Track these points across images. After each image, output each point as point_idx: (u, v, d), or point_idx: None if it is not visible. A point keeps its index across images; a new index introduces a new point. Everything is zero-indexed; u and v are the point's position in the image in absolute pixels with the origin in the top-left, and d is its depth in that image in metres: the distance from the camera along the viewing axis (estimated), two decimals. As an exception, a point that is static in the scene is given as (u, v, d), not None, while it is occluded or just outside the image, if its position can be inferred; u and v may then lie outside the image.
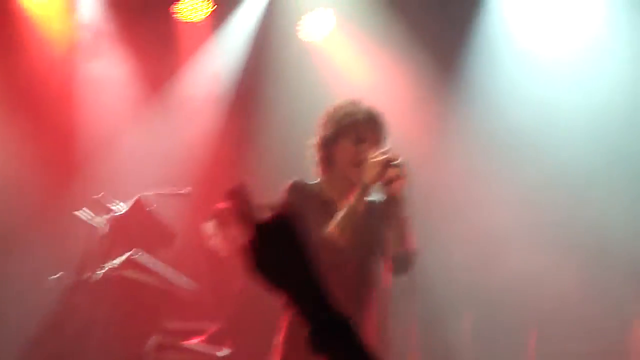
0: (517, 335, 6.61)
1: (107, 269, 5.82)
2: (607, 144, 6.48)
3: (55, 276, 5.94)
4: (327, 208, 4.21)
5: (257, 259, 1.66)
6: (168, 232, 6.25)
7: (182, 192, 6.22)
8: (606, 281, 6.31)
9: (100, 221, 5.94)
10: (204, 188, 6.48)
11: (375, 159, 4.09)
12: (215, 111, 6.95)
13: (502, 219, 6.67)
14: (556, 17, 6.76)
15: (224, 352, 5.75)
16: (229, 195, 1.66)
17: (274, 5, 6.91)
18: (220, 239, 5.99)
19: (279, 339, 4.21)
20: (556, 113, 6.63)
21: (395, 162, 4.08)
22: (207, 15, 6.93)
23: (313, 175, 4.34)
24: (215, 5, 6.94)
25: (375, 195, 4.27)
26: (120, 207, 6.01)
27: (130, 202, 6.02)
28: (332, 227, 4.08)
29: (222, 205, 6.17)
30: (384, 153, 4.11)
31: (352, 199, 4.11)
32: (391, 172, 4.08)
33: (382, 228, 4.16)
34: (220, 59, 6.98)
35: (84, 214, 5.95)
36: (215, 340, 5.83)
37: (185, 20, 6.91)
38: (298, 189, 4.23)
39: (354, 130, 4.23)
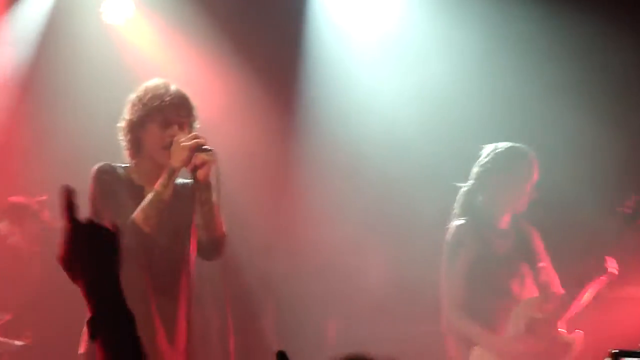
0: (320, 322, 6.75)
1: None
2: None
3: None
4: (136, 192, 4.14)
5: (68, 254, 1.97)
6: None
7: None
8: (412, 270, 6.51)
9: None
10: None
11: (183, 143, 4.06)
12: (6, 97, 6.63)
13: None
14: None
15: (22, 342, 5.60)
16: (62, 196, 1.93)
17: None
18: (17, 235, 5.82)
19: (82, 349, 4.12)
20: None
21: (203, 147, 4.07)
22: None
23: (123, 158, 4.26)
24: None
25: (184, 179, 4.24)
26: None
27: None
28: (137, 212, 4.03)
29: (15, 199, 5.97)
30: (192, 137, 4.09)
31: (158, 185, 4.07)
32: (199, 157, 4.06)
33: (190, 213, 4.14)
34: (13, 39, 6.66)
35: None
36: (10, 330, 5.66)
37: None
38: (106, 173, 4.14)
39: (161, 113, 4.16)
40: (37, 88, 6.53)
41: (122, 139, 4.25)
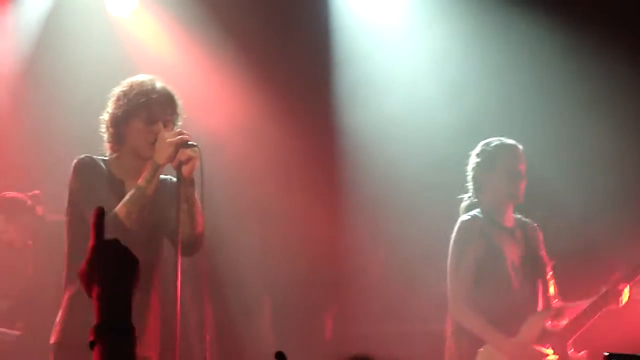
0: (315, 318, 6.74)
1: None
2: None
3: None
4: (116, 187, 4.13)
5: (89, 269, 2.14)
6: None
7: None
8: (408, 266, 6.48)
9: None
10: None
11: (168, 140, 4.04)
12: (3, 90, 6.61)
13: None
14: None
15: (16, 332, 5.62)
16: (94, 216, 2.16)
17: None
18: (11, 230, 5.83)
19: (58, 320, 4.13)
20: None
21: (188, 143, 4.05)
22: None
23: (104, 151, 4.25)
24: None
25: (167, 175, 4.23)
26: None
27: None
28: (120, 207, 4.02)
29: (9, 194, 5.98)
30: (177, 134, 4.07)
31: (141, 180, 4.05)
32: (184, 154, 4.05)
33: (171, 209, 4.12)
34: (15, 30, 6.64)
35: None
36: (3, 321, 5.67)
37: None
38: (86, 166, 4.13)
39: (147, 110, 4.14)
40: (35, 80, 6.51)
41: (104, 132, 4.24)
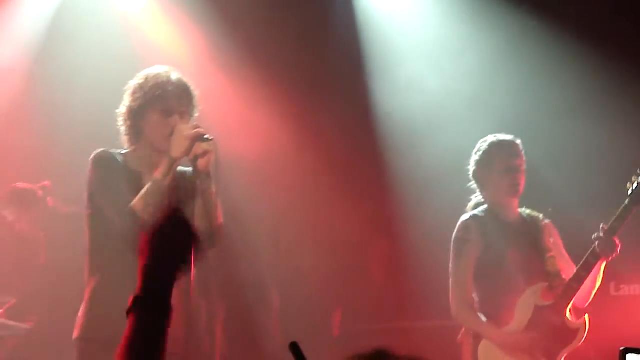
0: (322, 313, 6.75)
1: None
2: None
3: None
4: (134, 179, 4.13)
5: (150, 237, 2.13)
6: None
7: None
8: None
9: None
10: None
11: (184, 133, 4.04)
12: (12, 84, 6.61)
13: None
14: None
15: (27, 326, 5.62)
16: None
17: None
18: (23, 220, 5.84)
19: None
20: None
21: (204, 137, 4.05)
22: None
23: (122, 145, 4.25)
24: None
25: (184, 168, 4.23)
26: None
27: None
28: (136, 200, 4.02)
29: (20, 185, 5.98)
30: (193, 127, 4.07)
31: (158, 174, 4.06)
32: (200, 147, 4.05)
33: (189, 202, 4.12)
34: (24, 24, 6.63)
35: None
36: (15, 314, 5.68)
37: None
38: (104, 160, 4.13)
39: (163, 102, 4.13)
40: (46, 74, 6.51)
41: (121, 125, 4.24)
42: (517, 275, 4.85)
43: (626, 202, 4.77)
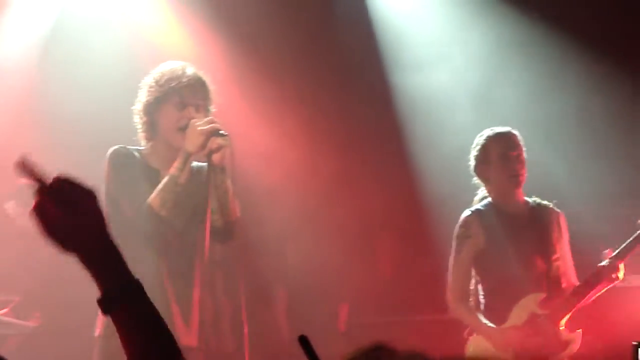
0: (329, 308, 6.74)
1: None
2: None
3: None
4: (152, 176, 4.13)
5: (47, 223, 1.80)
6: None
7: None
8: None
9: None
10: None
11: (199, 128, 4.03)
12: (22, 80, 6.58)
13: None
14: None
15: (32, 324, 5.62)
16: (19, 169, 1.80)
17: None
18: (26, 215, 5.83)
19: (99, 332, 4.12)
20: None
21: (219, 132, 4.04)
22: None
23: (139, 141, 4.25)
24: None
25: (198, 163, 4.23)
26: None
27: None
28: (153, 197, 4.01)
29: (24, 181, 5.98)
30: (208, 122, 4.06)
31: (173, 169, 4.05)
32: (215, 142, 4.04)
33: (205, 196, 4.11)
34: (27, 20, 6.59)
35: None
36: (20, 311, 5.68)
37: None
38: (121, 156, 4.12)
39: (178, 94, 4.13)
40: (47, 71, 6.48)
41: (138, 122, 4.23)
42: (520, 270, 4.84)
43: (637, 233, 4.81)
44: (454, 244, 4.91)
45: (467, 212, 4.94)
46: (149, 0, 6.55)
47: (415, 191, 6.87)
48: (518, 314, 4.79)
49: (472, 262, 4.86)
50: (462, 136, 6.23)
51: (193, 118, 4.08)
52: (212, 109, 4.22)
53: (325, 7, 7.02)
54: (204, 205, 4.10)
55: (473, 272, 4.91)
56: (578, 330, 4.82)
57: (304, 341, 1.64)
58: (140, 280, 1.86)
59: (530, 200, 4.98)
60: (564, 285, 4.85)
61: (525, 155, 4.91)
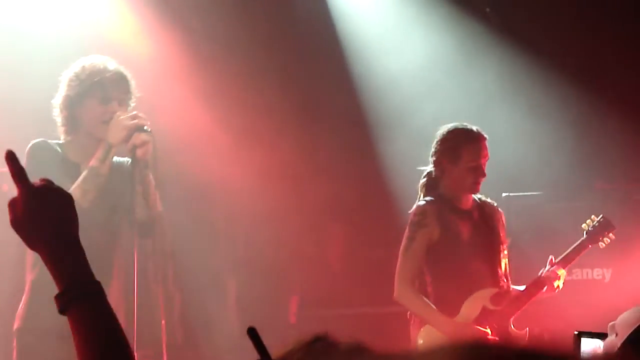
0: (278, 300, 6.75)
1: None
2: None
3: None
4: (72, 170, 4.13)
5: (15, 216, 1.88)
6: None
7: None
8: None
9: None
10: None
11: (124, 123, 4.06)
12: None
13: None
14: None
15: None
16: (8, 161, 1.88)
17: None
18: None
19: None
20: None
21: (143, 128, 4.07)
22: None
23: (59, 135, 4.24)
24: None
25: (121, 159, 4.24)
26: None
27: None
28: (74, 188, 4.01)
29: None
30: (133, 117, 4.09)
31: (94, 160, 4.06)
32: (139, 138, 4.07)
33: (128, 190, 4.13)
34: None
35: None
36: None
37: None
38: (40, 149, 4.12)
39: (101, 88, 4.15)
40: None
41: (57, 115, 4.23)
42: (470, 263, 4.88)
43: (578, 242, 4.99)
44: (407, 231, 4.90)
45: (421, 202, 4.93)
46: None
47: (365, 182, 6.89)
48: (470, 307, 4.82)
49: (425, 251, 4.86)
50: (416, 128, 6.31)
51: (116, 112, 4.11)
52: (133, 103, 4.24)
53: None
54: (126, 198, 4.13)
55: None
56: (525, 329, 4.89)
57: (252, 333, 1.65)
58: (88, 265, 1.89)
59: (476, 197, 5.03)
60: (506, 280, 4.92)
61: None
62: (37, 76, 5.58)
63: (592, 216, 5.10)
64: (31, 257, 4.14)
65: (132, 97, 4.25)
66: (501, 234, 4.99)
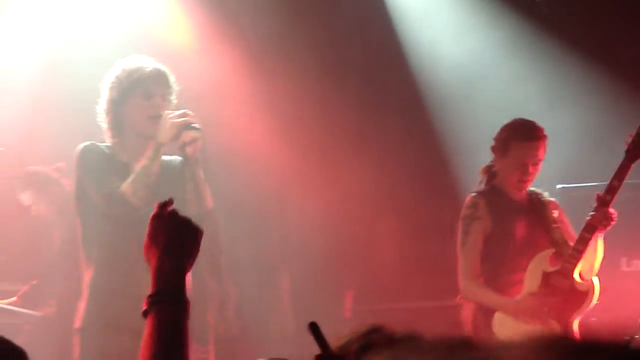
0: (333, 294, 6.75)
1: None
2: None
3: None
4: (122, 170, 4.18)
5: (150, 240, 2.21)
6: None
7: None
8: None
9: None
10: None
11: (173, 121, 4.09)
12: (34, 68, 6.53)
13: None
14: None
15: (41, 313, 5.62)
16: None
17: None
18: (41, 204, 5.84)
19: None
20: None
21: (192, 125, 4.10)
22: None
23: (106, 139, 4.29)
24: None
25: (170, 157, 4.28)
26: None
27: None
28: (125, 185, 4.06)
29: (33, 169, 5.98)
30: (181, 115, 4.12)
31: (144, 159, 4.10)
32: (189, 135, 4.10)
33: (179, 188, 4.15)
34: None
35: None
36: (28, 300, 5.69)
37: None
38: (90, 152, 4.18)
39: (142, 85, 4.19)
40: (52, 53, 6.47)
41: (102, 121, 4.28)
42: (525, 252, 4.86)
43: (622, 160, 4.77)
44: (461, 225, 4.91)
45: (473, 194, 4.94)
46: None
47: (419, 175, 6.87)
48: (531, 278, 4.80)
49: (481, 243, 4.85)
50: (473, 121, 6.29)
51: (161, 106, 4.15)
52: (174, 99, 4.27)
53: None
54: (178, 196, 4.14)
55: None
56: (594, 277, 4.83)
57: (314, 328, 1.65)
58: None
59: (529, 189, 4.99)
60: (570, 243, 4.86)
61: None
62: (85, 78, 5.68)
63: (628, 134, 4.81)
64: (85, 257, 4.19)
65: (173, 91, 4.29)
66: (551, 216, 4.94)
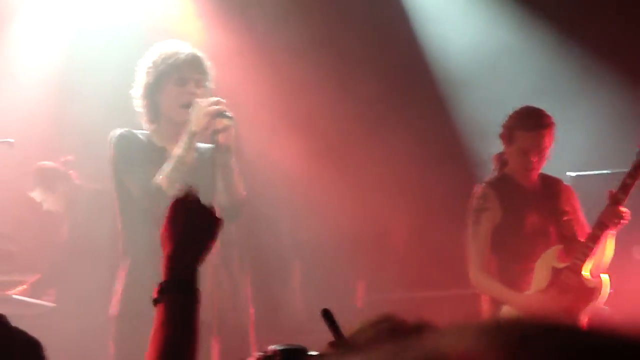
0: (344, 283, 6.75)
1: None
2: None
3: None
4: (158, 154, 4.15)
5: (178, 213, 2.15)
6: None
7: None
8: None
9: None
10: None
11: (205, 109, 4.05)
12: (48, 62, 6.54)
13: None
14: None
15: (45, 303, 5.63)
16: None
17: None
18: (51, 200, 5.85)
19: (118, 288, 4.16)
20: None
21: (224, 113, 4.06)
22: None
23: (142, 125, 4.26)
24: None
25: (203, 145, 4.24)
26: None
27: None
28: (162, 177, 4.03)
29: (42, 164, 5.98)
30: (214, 103, 4.08)
31: (179, 149, 4.06)
32: (221, 123, 4.06)
33: (211, 176, 4.14)
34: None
35: None
36: (37, 291, 5.70)
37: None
38: (125, 138, 4.14)
39: (177, 70, 4.16)
40: (68, 48, 6.47)
41: (139, 105, 4.24)
42: (535, 242, 4.83)
43: (635, 160, 4.73)
44: (471, 215, 4.89)
45: (482, 184, 4.92)
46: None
47: (430, 165, 6.85)
48: (540, 274, 4.78)
49: (491, 234, 4.83)
50: (484, 110, 6.26)
51: (194, 93, 4.12)
52: (210, 84, 4.23)
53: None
54: (210, 185, 4.12)
55: None
56: (603, 275, 4.80)
57: (327, 314, 1.64)
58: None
59: (539, 173, 4.96)
60: (580, 238, 4.82)
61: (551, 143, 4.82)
62: (112, 68, 5.68)
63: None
64: (123, 245, 4.19)
65: (209, 77, 4.25)
66: (564, 207, 4.91)
